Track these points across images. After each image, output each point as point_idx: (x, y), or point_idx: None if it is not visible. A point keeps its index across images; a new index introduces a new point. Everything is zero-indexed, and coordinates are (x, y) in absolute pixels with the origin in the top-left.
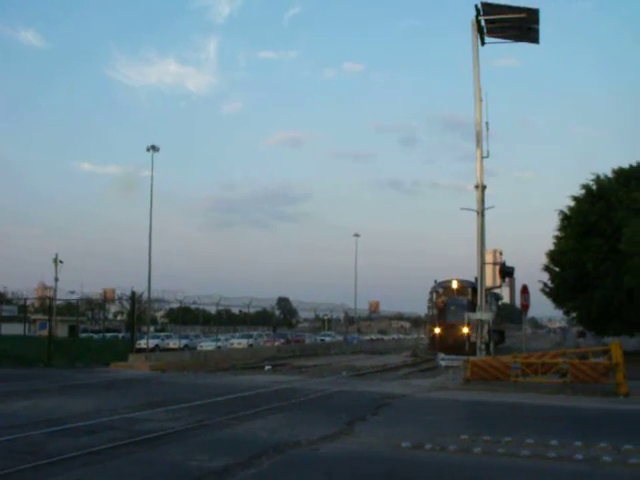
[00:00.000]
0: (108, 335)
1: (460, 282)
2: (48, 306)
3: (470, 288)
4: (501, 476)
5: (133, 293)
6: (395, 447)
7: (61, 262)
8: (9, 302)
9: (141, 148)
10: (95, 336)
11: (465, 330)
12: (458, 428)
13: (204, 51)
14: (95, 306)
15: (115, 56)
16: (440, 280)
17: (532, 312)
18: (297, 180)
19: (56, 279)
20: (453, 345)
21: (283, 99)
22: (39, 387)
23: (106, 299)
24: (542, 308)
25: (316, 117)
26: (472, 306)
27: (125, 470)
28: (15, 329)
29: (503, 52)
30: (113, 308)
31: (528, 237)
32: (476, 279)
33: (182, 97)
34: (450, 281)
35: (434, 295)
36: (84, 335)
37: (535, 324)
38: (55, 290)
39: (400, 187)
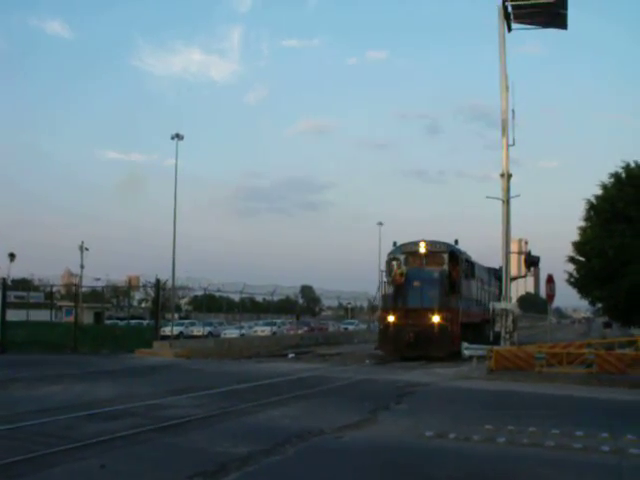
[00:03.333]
0: (133, 322)
1: (431, 244)
2: (74, 293)
3: (447, 254)
4: (525, 466)
5: (157, 281)
6: (419, 436)
7: (86, 249)
8: (36, 289)
9: (166, 136)
10: (120, 323)
11: (436, 319)
12: (482, 418)
13: (228, 40)
14: (120, 293)
15: (141, 46)
16: (402, 243)
17: (557, 302)
18: (321, 168)
19: (81, 266)
20: (415, 342)
21: (307, 88)
22: (66, 373)
23: (131, 286)
24: (567, 298)
25: (340, 105)
26: (450, 282)
27: (149, 455)
28: (42, 315)
29: (529, 38)
30: (138, 295)
31: (554, 227)
32: (455, 241)
33: (206, 85)
34: (416, 243)
35: (392, 266)
36: (109, 322)
37: (560, 314)
38: (80, 277)
39: (424, 176)
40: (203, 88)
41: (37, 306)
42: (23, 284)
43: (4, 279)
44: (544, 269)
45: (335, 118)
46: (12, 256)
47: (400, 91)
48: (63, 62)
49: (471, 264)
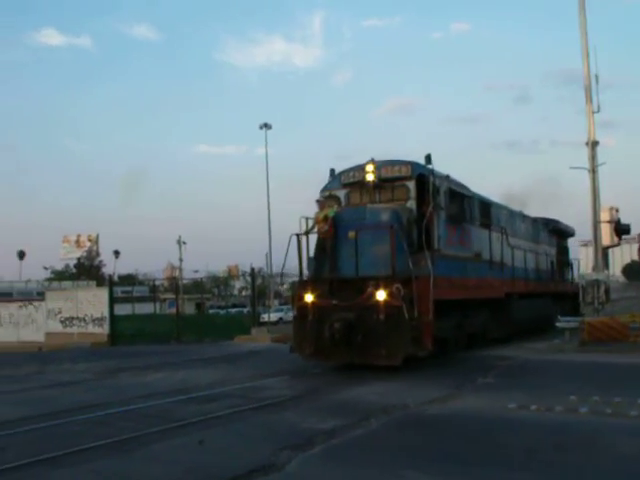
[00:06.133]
0: (233, 310)
1: (386, 166)
2: (175, 285)
3: (412, 181)
4: (603, 435)
5: (252, 269)
6: (501, 408)
7: (184, 243)
8: (141, 283)
9: (254, 126)
10: (221, 312)
11: (381, 296)
12: (568, 389)
13: (309, 27)
14: (220, 283)
15: (223, 39)
16: (341, 170)
17: None
18: (410, 147)
19: (180, 259)
20: (344, 338)
21: (391, 66)
22: (169, 361)
23: (230, 276)
24: None
25: (426, 82)
26: (418, 228)
27: (243, 431)
28: (147, 308)
29: None
30: (238, 284)
31: None
32: (427, 158)
33: (290, 73)
34: (360, 168)
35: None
36: (211, 311)
37: None
38: (180, 270)
39: (517, 146)
40: (288, 76)
41: (142, 299)
42: (128, 279)
43: (110, 276)
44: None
45: (421, 95)
46: (117, 253)
47: (486, 63)
48: (151, 63)
49: (469, 199)
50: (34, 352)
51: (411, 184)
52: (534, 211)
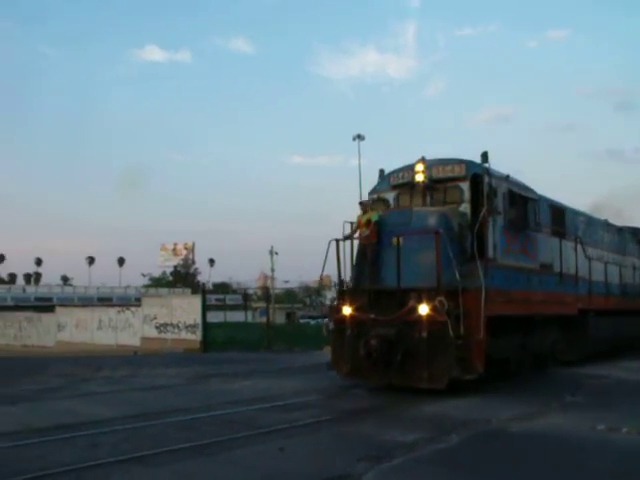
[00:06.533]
0: (324, 320)
1: (438, 166)
2: (267, 294)
3: (466, 182)
4: None
5: (340, 280)
6: (589, 429)
7: (276, 254)
8: (234, 292)
9: (348, 138)
10: (312, 322)
11: (424, 310)
12: None
13: (402, 36)
14: (312, 293)
15: (319, 52)
16: (391, 171)
17: None
18: (507, 157)
19: (272, 269)
20: (382, 357)
21: (486, 76)
22: (258, 369)
23: (322, 286)
24: None
25: (521, 91)
26: (472, 234)
27: (323, 441)
28: (238, 316)
29: None
30: (329, 294)
31: None
32: (484, 156)
33: (384, 84)
34: (409, 168)
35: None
36: (302, 321)
37: None
38: (272, 280)
39: (619, 155)
40: (382, 87)
41: (235, 307)
42: (222, 288)
43: (204, 284)
44: None
45: (517, 104)
46: (212, 262)
47: (584, 69)
48: (248, 77)
49: (534, 203)
50: (130, 356)
51: (465, 185)
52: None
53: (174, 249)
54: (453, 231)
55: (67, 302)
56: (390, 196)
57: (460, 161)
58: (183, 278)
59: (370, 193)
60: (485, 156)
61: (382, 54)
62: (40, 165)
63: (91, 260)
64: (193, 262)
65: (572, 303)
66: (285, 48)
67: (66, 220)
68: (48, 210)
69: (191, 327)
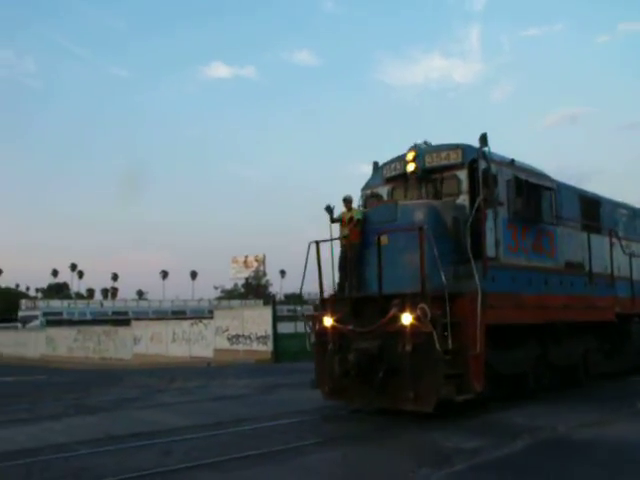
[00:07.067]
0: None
1: (430, 152)
2: None
3: (464, 170)
4: None
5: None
6: None
7: None
8: (306, 302)
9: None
10: None
11: (407, 319)
12: None
13: (467, 41)
14: None
15: (382, 60)
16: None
17: None
18: (581, 158)
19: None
20: (363, 374)
21: (554, 76)
22: None
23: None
24: None
25: (592, 89)
26: (471, 229)
27: (387, 447)
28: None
29: None
30: None
31: None
32: (483, 138)
33: (450, 90)
34: (402, 157)
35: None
36: None
37: None
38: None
39: None
40: (447, 92)
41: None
42: (294, 299)
43: (274, 295)
44: None
45: (589, 103)
46: (283, 273)
47: None
48: (312, 87)
49: (549, 192)
50: (203, 367)
51: (462, 174)
52: None
53: (245, 261)
54: (445, 227)
55: (142, 316)
56: (384, 191)
57: (456, 146)
58: (254, 289)
59: (363, 189)
60: (484, 138)
61: (447, 59)
62: (113, 184)
63: (165, 274)
64: (264, 274)
65: (607, 307)
66: (349, 58)
67: (140, 236)
68: (124, 227)
69: (262, 338)
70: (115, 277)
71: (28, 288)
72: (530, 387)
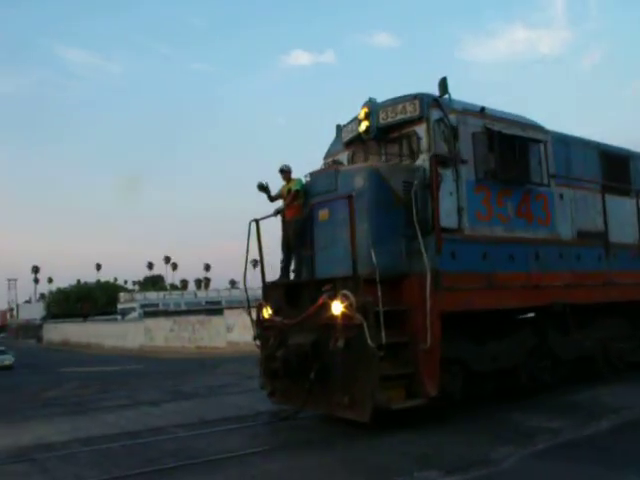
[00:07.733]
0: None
1: (385, 108)
2: None
3: (422, 125)
4: None
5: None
6: None
7: None
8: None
9: None
10: None
11: (337, 308)
12: None
13: (551, 9)
14: None
15: (461, 37)
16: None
17: None
18: None
19: None
20: (290, 373)
21: None
22: None
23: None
24: None
25: None
26: (428, 206)
27: (468, 428)
28: None
29: None
30: None
31: None
32: (440, 82)
33: (536, 61)
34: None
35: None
36: None
37: None
38: None
39: None
40: (533, 64)
41: None
42: None
43: None
44: None
45: None
46: None
47: None
48: (393, 68)
49: (536, 144)
50: None
51: (421, 129)
52: None
53: None
54: (392, 194)
55: (235, 304)
56: (344, 157)
57: (413, 97)
58: None
59: (325, 157)
60: (443, 84)
61: (531, 30)
62: (202, 174)
63: (255, 263)
64: None
65: (632, 284)
66: (428, 37)
67: (231, 226)
68: (215, 219)
69: None
70: (207, 267)
71: (126, 281)
72: (523, 384)
